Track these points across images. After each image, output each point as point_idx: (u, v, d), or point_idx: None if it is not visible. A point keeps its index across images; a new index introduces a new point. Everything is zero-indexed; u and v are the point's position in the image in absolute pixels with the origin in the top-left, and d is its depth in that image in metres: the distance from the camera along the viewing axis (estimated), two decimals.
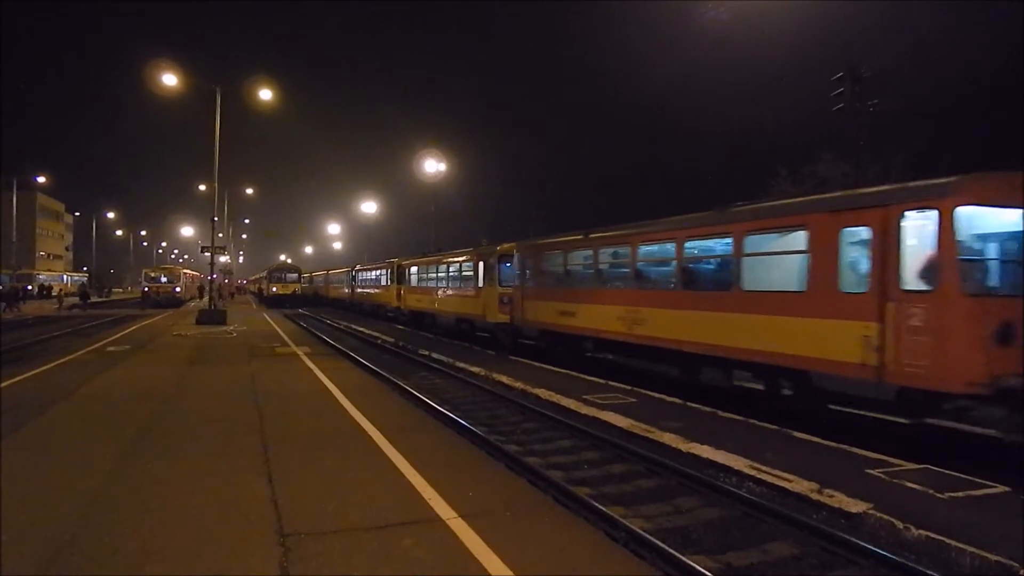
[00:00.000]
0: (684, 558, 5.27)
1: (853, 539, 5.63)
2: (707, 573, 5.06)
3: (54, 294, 62.94)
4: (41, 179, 64.32)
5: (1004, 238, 8.45)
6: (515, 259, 19.54)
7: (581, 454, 8.89)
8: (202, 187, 45.86)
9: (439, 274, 27.13)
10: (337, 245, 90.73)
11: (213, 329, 25.11)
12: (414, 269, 31.42)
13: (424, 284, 29.60)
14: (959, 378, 7.54)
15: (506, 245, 20.72)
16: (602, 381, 13.38)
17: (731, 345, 10.70)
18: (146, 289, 52.64)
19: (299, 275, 60.92)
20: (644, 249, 13.57)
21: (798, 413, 9.83)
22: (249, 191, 51.67)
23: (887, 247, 8.29)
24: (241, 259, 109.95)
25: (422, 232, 42.40)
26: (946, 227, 7.74)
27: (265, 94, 26.38)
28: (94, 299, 58.41)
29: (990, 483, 6.95)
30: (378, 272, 39.64)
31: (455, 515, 5.24)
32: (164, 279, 53.60)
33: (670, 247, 12.62)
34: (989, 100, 32.65)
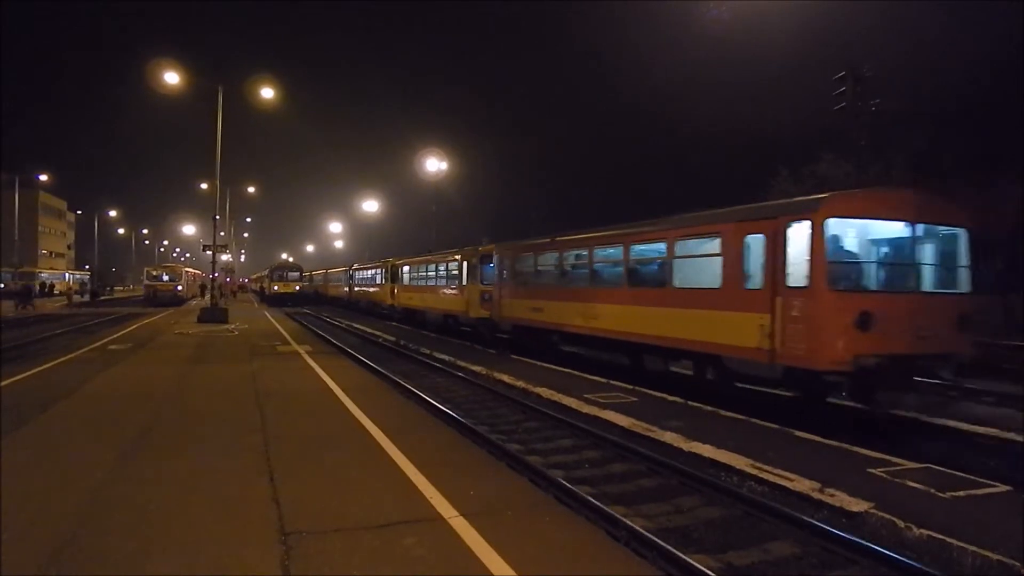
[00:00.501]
0: (685, 557, 5.27)
1: (854, 538, 5.63)
2: (708, 572, 5.06)
3: (56, 292, 63.20)
4: (43, 177, 64.41)
5: (864, 243, 10.30)
6: (494, 260, 20.98)
7: (582, 453, 8.89)
8: (203, 185, 45.84)
9: (428, 273, 28.90)
10: (339, 244, 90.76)
11: (215, 327, 25.12)
12: (406, 268, 32.98)
13: (415, 283, 31.28)
14: (828, 358, 9.10)
15: (487, 247, 22.38)
16: (603, 380, 13.37)
17: (666, 335, 12.33)
18: (148, 287, 52.72)
19: (301, 274, 60.97)
20: (599, 252, 15.13)
21: (722, 394, 11.23)
22: (251, 190, 51.66)
23: (777, 251, 9.88)
24: (243, 258, 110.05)
25: (424, 231, 42.44)
26: (817, 235, 9.27)
27: (266, 93, 26.37)
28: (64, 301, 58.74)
29: (991, 482, 6.95)
30: (373, 271, 41.30)
31: (456, 514, 5.24)
32: (166, 277, 53.65)
33: (619, 251, 14.20)
34: (989, 100, 32.56)
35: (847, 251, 9.98)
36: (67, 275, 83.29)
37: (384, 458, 6.96)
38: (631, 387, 12.59)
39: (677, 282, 12.22)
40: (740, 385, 11.41)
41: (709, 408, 10.78)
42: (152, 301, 49.22)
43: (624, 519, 6.09)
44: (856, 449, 8.20)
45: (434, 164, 39.63)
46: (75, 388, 11.10)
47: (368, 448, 7.41)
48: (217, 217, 29.49)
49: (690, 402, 11.23)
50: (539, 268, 18.01)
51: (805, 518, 6.09)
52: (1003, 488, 6.77)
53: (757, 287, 10.23)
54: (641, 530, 5.84)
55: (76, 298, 52.99)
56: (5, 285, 53.49)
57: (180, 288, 53.16)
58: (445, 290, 26.24)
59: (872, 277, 10.01)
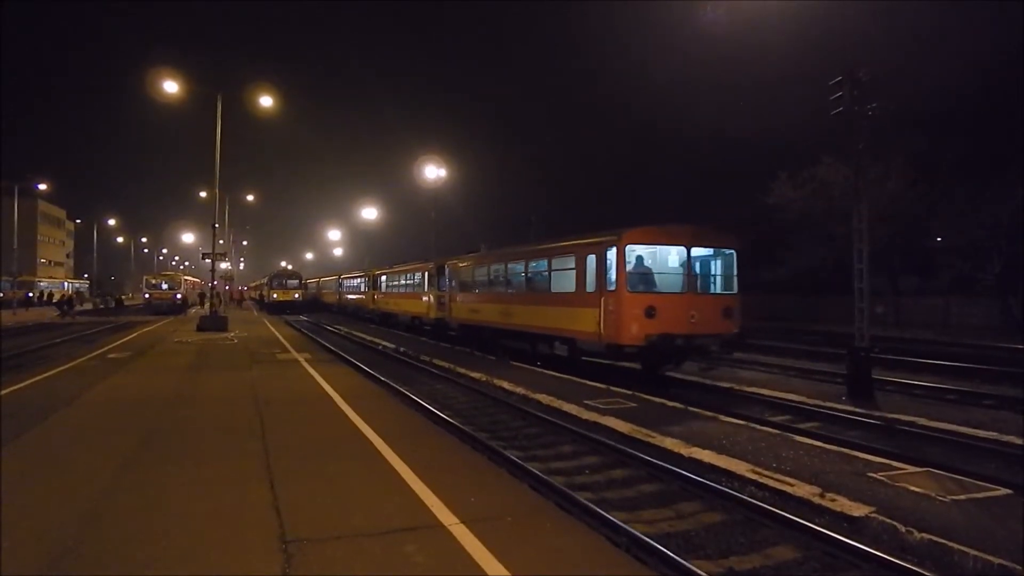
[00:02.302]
0: (687, 563, 5.27)
1: (855, 543, 5.62)
2: None
3: (55, 300, 63.25)
4: (42, 186, 64.22)
5: (649, 261, 14.46)
6: (445, 271, 25.36)
7: (582, 459, 8.88)
8: (203, 194, 45.90)
9: (400, 282, 33.77)
10: (338, 251, 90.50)
11: (214, 335, 25.13)
12: (383, 278, 37.92)
13: (390, 289, 36.23)
14: (627, 337, 13.38)
15: (441, 260, 26.93)
16: (603, 386, 13.38)
17: (549, 326, 16.60)
18: (147, 296, 52.75)
19: (300, 281, 61.03)
20: (510, 266, 19.57)
21: (578, 365, 15.73)
22: (250, 198, 51.79)
23: (600, 266, 14.33)
24: (242, 265, 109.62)
25: (425, 236, 42.38)
26: (620, 256, 13.67)
27: (266, 100, 26.40)
28: (89, 307, 59.06)
29: (992, 485, 6.96)
30: (358, 280, 45.90)
31: (457, 521, 5.23)
32: (165, 286, 53.64)
33: (522, 265, 18.60)
34: (988, 100, 32.65)
35: (641, 266, 14.22)
36: (66, 284, 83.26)
37: (384, 465, 6.96)
38: (631, 393, 12.61)
39: (554, 288, 16.54)
40: (586, 359, 15.75)
41: (709, 414, 10.80)
42: (151, 309, 49.32)
43: (625, 525, 6.09)
44: (857, 454, 8.21)
45: (433, 171, 39.63)
46: (76, 396, 11.09)
47: (368, 455, 7.40)
48: (216, 225, 29.53)
49: (690, 407, 11.24)
50: (475, 278, 22.39)
51: (806, 523, 6.09)
52: (1004, 491, 6.77)
53: (592, 291, 14.54)
54: (642, 536, 5.83)
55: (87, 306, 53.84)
56: (4, 294, 53.45)
57: (179, 296, 53.16)
58: (412, 296, 31.14)
59: (657, 283, 14.16)
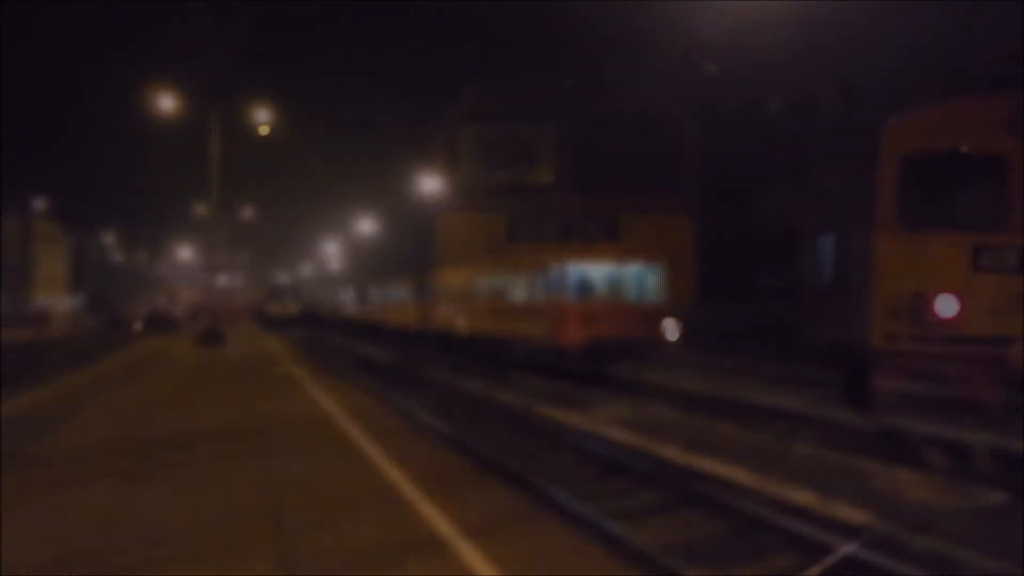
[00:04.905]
0: (689, 573, 5.24)
1: (856, 550, 5.59)
2: None
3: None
4: (40, 204, 64.28)
5: (588, 277, 16.54)
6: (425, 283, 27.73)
7: (583, 469, 8.86)
8: (202, 209, 46.02)
9: (387, 293, 35.78)
10: (337, 264, 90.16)
11: (212, 350, 25.10)
12: (373, 289, 39.90)
13: (379, 300, 38.17)
14: (572, 340, 15.63)
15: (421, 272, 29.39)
16: (604, 395, 13.39)
17: (511, 332, 18.66)
18: (144, 311, 52.80)
19: (299, 295, 61.10)
20: (479, 280, 21.77)
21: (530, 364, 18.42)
22: (249, 212, 51.94)
23: (548, 281, 16.48)
24: (241, 280, 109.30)
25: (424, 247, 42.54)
26: (563, 272, 15.94)
27: (265, 115, 26.44)
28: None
29: (992, 491, 6.94)
30: (351, 292, 47.71)
31: (457, 533, 5.20)
32: (164, 301, 53.65)
33: (487, 279, 21.03)
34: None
35: (582, 280, 16.45)
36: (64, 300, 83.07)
37: (384, 479, 6.94)
38: (632, 401, 12.60)
39: (514, 299, 18.88)
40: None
41: (710, 421, 10.78)
42: (149, 325, 49.37)
43: (626, 535, 6.06)
44: (857, 460, 8.20)
45: (432, 181, 39.68)
46: (72, 414, 11.05)
47: (368, 468, 7.39)
48: (215, 240, 29.54)
49: (690, 416, 11.22)
50: (450, 290, 24.42)
51: (807, 530, 6.06)
52: (1004, 496, 6.76)
53: (542, 301, 16.71)
54: (643, 546, 5.80)
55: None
56: (2, 312, 53.45)
57: (178, 311, 53.18)
58: (397, 307, 33.21)
59: (595, 294, 16.47)
